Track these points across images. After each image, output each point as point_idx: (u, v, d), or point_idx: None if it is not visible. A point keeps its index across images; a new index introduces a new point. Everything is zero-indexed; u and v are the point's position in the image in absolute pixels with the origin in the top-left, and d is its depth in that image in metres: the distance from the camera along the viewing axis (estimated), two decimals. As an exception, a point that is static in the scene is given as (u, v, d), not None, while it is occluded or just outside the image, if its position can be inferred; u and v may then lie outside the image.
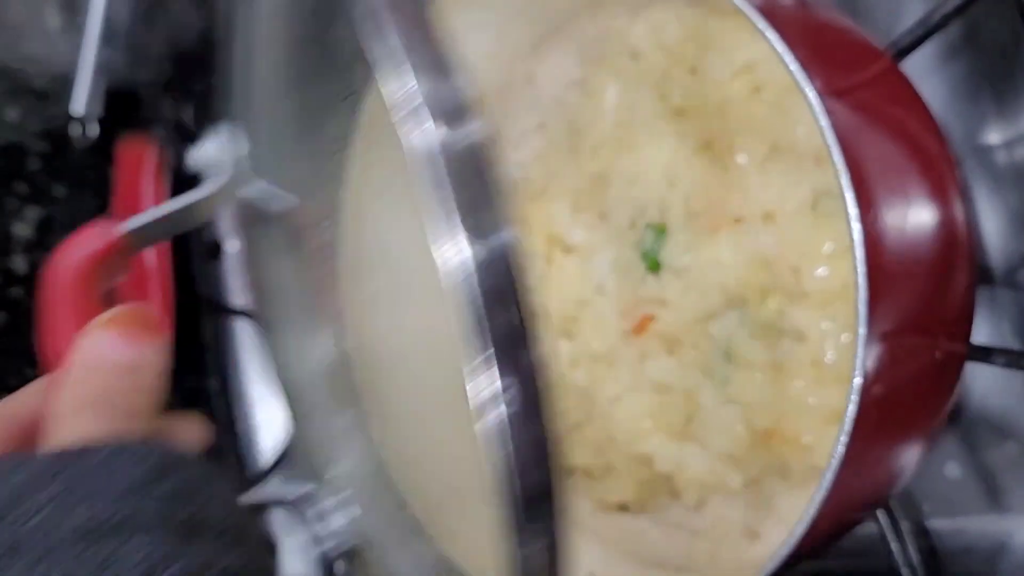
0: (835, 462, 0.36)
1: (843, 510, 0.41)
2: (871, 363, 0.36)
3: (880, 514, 0.49)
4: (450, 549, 0.50)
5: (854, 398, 0.35)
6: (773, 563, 0.38)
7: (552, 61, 0.57)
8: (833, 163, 0.36)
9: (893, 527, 0.49)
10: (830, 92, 0.37)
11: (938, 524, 0.53)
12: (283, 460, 0.78)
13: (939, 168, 0.42)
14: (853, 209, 0.35)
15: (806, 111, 0.47)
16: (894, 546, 0.48)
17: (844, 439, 0.36)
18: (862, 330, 0.35)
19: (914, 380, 0.40)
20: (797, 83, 0.36)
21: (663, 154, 0.52)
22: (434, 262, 0.26)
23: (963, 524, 0.53)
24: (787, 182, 0.48)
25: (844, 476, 0.37)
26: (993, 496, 0.52)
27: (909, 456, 0.43)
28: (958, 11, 0.46)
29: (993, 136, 0.52)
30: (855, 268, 0.35)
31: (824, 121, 0.36)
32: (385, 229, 0.50)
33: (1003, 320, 0.52)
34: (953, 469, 0.53)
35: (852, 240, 0.35)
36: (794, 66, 0.36)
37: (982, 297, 0.51)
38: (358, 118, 0.52)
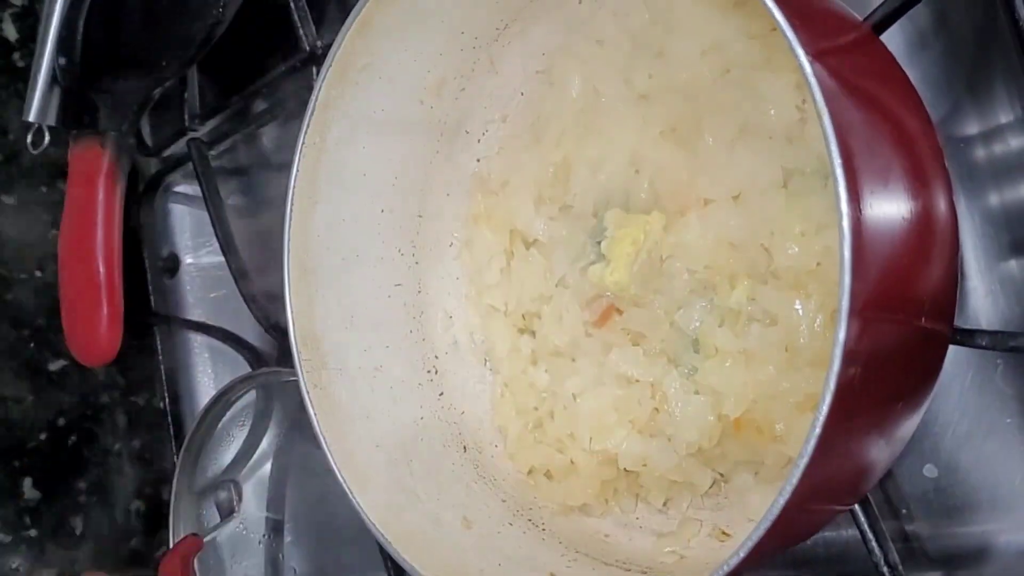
0: (811, 442, 0.33)
1: (818, 497, 0.38)
2: (852, 340, 0.33)
3: (860, 516, 0.46)
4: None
5: (835, 369, 0.32)
6: (745, 549, 0.35)
7: (516, 49, 0.54)
8: (822, 127, 0.32)
9: (872, 529, 0.45)
10: (816, 55, 0.34)
11: (919, 527, 0.50)
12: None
13: (923, 142, 0.39)
14: (840, 176, 0.32)
15: (778, 90, 0.45)
16: (874, 548, 0.45)
17: (823, 413, 0.32)
18: (845, 302, 0.32)
19: (896, 360, 0.37)
20: (788, 42, 0.33)
21: (628, 138, 0.50)
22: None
23: (944, 526, 0.49)
24: (757, 162, 0.45)
25: (819, 460, 0.34)
26: (974, 496, 0.49)
27: (887, 444, 0.40)
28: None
29: (970, 127, 0.50)
30: (841, 234, 0.32)
31: (813, 83, 0.33)
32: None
33: (979, 315, 0.50)
34: (931, 471, 0.50)
35: (839, 208, 0.32)
36: (784, 25, 0.34)
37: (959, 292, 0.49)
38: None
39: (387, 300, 0.55)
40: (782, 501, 0.33)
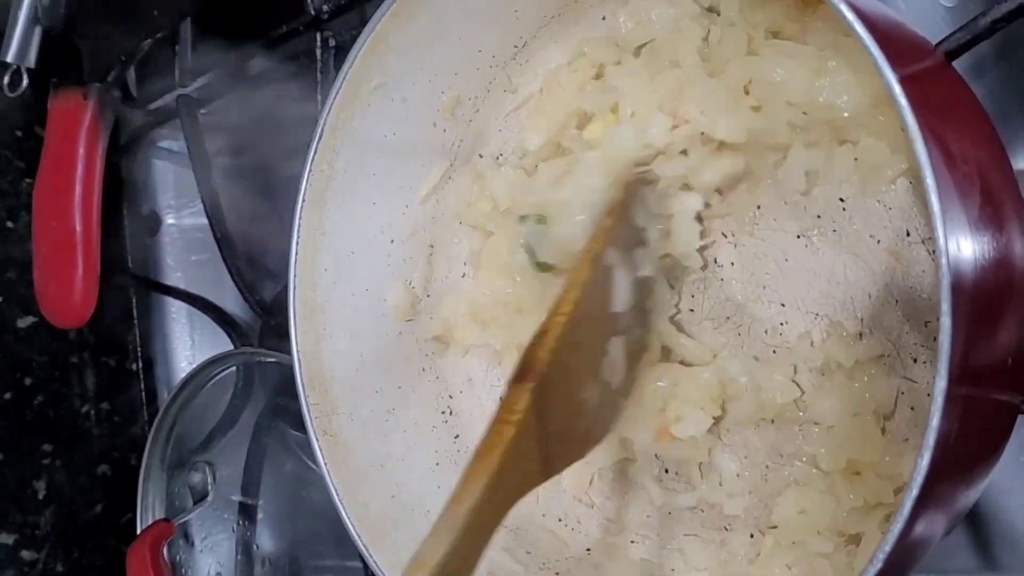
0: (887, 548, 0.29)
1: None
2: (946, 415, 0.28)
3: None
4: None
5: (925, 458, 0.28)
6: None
7: (534, 68, 0.49)
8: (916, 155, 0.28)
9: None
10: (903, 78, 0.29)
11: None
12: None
13: (1001, 177, 0.35)
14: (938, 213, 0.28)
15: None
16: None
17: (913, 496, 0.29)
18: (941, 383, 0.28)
19: (972, 432, 0.33)
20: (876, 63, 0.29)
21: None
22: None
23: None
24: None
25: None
26: (984, 553, 0.46)
27: (945, 526, 0.35)
28: (1012, 16, 0.39)
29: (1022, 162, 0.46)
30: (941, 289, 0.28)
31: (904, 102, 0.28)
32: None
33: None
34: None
35: (939, 250, 0.28)
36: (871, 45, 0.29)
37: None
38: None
39: (398, 337, 0.50)
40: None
